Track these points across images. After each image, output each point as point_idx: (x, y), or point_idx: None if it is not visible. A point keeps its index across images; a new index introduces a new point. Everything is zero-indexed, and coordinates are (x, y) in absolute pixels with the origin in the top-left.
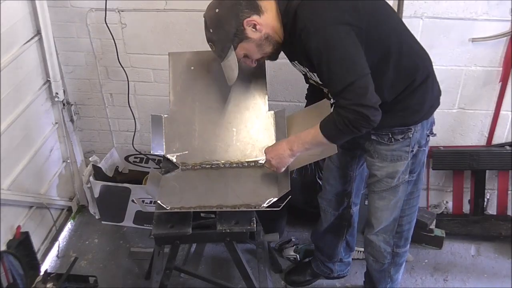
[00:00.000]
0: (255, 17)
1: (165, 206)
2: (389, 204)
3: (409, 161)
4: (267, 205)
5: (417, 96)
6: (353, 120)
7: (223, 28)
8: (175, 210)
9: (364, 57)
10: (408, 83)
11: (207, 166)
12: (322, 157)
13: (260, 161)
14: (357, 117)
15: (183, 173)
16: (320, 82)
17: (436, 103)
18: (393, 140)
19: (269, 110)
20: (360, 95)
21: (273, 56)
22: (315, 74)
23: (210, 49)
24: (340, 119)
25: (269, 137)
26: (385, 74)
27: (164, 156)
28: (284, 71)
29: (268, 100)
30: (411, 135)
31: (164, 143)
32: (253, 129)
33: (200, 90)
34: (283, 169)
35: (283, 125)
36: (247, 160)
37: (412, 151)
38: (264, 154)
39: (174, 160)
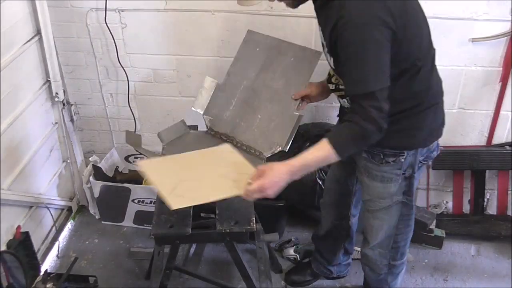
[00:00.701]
0: None
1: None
2: (383, 223)
3: (403, 184)
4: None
5: (415, 120)
6: (370, 131)
7: None
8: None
9: (390, 65)
10: (411, 105)
11: (224, 138)
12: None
13: (263, 154)
14: (373, 127)
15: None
16: (333, 67)
17: (436, 133)
18: (384, 161)
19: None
20: (379, 105)
21: (295, 3)
22: (331, 58)
23: (284, 41)
24: (360, 131)
25: (281, 138)
26: (393, 89)
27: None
28: None
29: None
30: (403, 160)
31: (206, 105)
32: (274, 122)
33: (253, 71)
34: (272, 195)
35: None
36: (254, 148)
37: (404, 173)
38: (255, 173)
39: (206, 122)
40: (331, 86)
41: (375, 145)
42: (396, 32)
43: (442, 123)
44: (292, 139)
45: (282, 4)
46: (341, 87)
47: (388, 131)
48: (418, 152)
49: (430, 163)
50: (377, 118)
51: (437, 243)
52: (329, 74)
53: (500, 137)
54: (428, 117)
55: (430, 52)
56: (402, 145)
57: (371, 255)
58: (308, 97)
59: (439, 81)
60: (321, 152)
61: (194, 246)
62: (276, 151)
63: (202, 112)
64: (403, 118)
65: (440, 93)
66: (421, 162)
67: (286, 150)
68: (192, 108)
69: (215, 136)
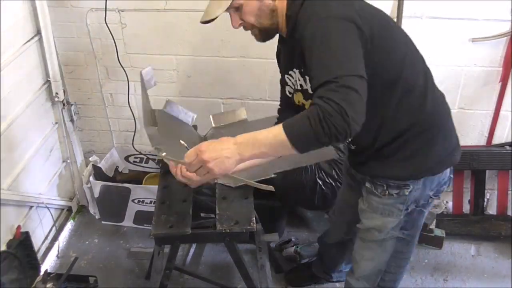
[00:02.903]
0: None
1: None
2: (374, 256)
3: (403, 219)
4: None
5: (420, 143)
6: (330, 113)
7: None
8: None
9: (363, 61)
10: (407, 125)
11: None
12: (317, 161)
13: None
14: (336, 110)
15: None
16: (311, 92)
17: (448, 160)
18: (387, 193)
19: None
20: (346, 94)
21: (264, 34)
22: (307, 77)
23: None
24: (315, 111)
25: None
26: (385, 108)
27: None
28: None
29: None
30: (407, 193)
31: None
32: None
33: None
34: (218, 177)
35: None
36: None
37: (407, 209)
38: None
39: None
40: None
41: (377, 175)
42: (363, 31)
43: (455, 149)
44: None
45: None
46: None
47: (391, 160)
48: (427, 185)
49: (439, 197)
50: (339, 101)
51: (437, 243)
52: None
53: (500, 137)
54: (434, 140)
55: (420, 70)
56: (407, 173)
57: (354, 285)
58: None
59: (440, 103)
60: (272, 132)
61: (194, 246)
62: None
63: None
64: (405, 143)
65: (443, 114)
66: (431, 197)
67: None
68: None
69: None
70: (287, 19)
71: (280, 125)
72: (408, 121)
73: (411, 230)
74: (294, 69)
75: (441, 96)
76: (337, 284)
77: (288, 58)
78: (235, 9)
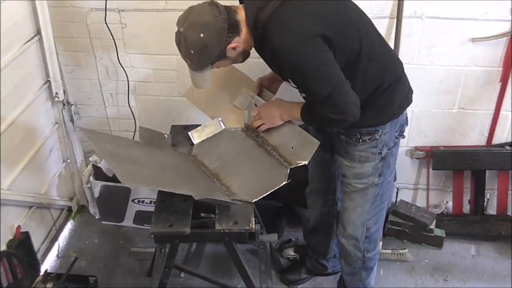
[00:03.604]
0: (236, 39)
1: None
2: (357, 205)
3: (378, 164)
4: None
5: (385, 97)
6: (335, 121)
7: (207, 52)
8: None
9: (337, 64)
10: (375, 87)
11: (203, 169)
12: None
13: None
14: (339, 119)
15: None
16: (296, 87)
17: (405, 103)
18: (360, 140)
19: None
20: (340, 103)
21: (243, 59)
22: (289, 81)
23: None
24: (324, 118)
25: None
26: (353, 79)
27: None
28: None
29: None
30: (378, 137)
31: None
32: (264, 178)
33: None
34: (270, 126)
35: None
36: (235, 194)
37: (380, 153)
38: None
39: (194, 150)
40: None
41: (351, 127)
42: (329, 37)
43: (410, 90)
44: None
45: None
46: None
47: (362, 113)
48: (393, 128)
49: (404, 136)
50: (338, 117)
51: (437, 243)
52: None
53: (500, 137)
54: (396, 91)
55: (372, 29)
56: (376, 122)
57: (346, 246)
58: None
59: (390, 53)
60: (296, 111)
61: (194, 245)
62: (244, 200)
63: (195, 142)
64: (373, 100)
65: (398, 63)
66: (396, 138)
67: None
68: (189, 133)
69: (194, 163)
70: (253, 37)
71: (300, 111)
72: (375, 83)
73: (387, 173)
74: (286, 82)
75: (391, 50)
76: (332, 277)
77: (268, 62)
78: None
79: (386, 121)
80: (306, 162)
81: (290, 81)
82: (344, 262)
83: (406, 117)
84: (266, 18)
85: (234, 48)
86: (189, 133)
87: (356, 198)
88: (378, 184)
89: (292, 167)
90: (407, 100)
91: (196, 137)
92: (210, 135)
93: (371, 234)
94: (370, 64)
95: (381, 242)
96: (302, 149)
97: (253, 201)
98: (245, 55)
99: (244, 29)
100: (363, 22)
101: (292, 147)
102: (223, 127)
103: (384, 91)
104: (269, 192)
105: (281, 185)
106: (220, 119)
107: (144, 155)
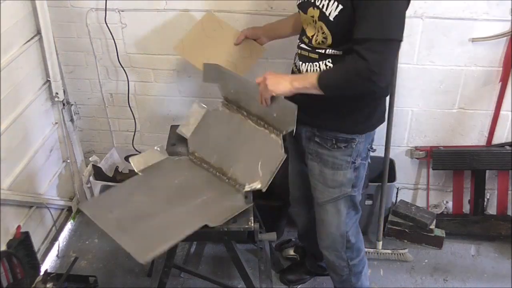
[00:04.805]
0: None
1: None
2: (333, 217)
3: (352, 173)
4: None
5: (372, 104)
6: (363, 79)
7: None
8: None
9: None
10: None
11: (205, 166)
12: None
13: (243, 188)
14: (370, 77)
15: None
16: (332, 18)
17: (382, 119)
18: (335, 146)
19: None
20: (386, 57)
21: None
22: (338, 6)
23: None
24: (353, 73)
25: (264, 177)
26: None
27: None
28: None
29: None
30: (354, 145)
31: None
32: (261, 159)
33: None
34: (272, 95)
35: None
36: (236, 180)
37: (354, 162)
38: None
39: (190, 146)
40: (300, 43)
41: (328, 129)
42: None
43: (385, 108)
44: (271, 180)
45: (282, 4)
46: (316, 45)
47: (344, 114)
48: (367, 139)
49: (374, 149)
50: (381, 67)
51: (437, 243)
52: (302, 29)
53: (500, 137)
54: (380, 103)
55: None
56: (356, 129)
57: (328, 257)
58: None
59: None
60: (311, 80)
61: (194, 245)
62: (255, 189)
63: (187, 137)
64: (359, 107)
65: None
66: (368, 149)
67: (264, 191)
68: (177, 131)
69: (195, 163)
70: None
71: (318, 75)
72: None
73: (359, 184)
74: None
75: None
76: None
77: None
78: None
79: (364, 131)
80: (294, 128)
81: (331, 12)
82: (331, 271)
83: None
84: None
85: None
86: (177, 131)
87: (330, 209)
88: (352, 196)
89: (283, 134)
90: (383, 118)
91: (185, 131)
92: (196, 124)
93: (352, 245)
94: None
95: (381, 242)
96: (284, 115)
97: (264, 189)
98: None
99: None
100: None
101: (275, 115)
102: (205, 107)
103: (373, 100)
104: (275, 173)
105: (282, 159)
106: (197, 101)
107: (148, 200)
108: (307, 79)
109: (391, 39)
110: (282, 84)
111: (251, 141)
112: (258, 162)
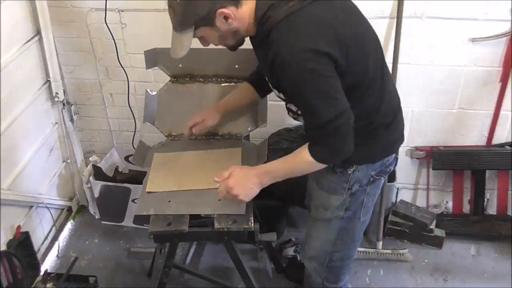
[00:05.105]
0: (231, 9)
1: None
2: (320, 235)
3: (346, 198)
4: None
5: (366, 138)
6: (328, 159)
7: (194, 7)
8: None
9: (342, 90)
10: (364, 124)
11: (204, 137)
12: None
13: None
14: (332, 157)
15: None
16: (284, 99)
17: (389, 150)
18: (332, 171)
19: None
20: (340, 133)
21: (233, 48)
22: (280, 92)
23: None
24: (304, 158)
25: (254, 117)
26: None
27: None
28: None
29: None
30: (350, 172)
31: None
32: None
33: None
34: (247, 201)
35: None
36: (230, 132)
37: (350, 188)
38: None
39: (163, 131)
40: (291, 114)
41: None
42: (337, 59)
43: (398, 140)
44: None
45: None
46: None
47: None
48: (369, 168)
49: (385, 177)
50: (331, 149)
51: (437, 243)
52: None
53: (500, 137)
54: (380, 135)
55: (377, 70)
56: (351, 159)
57: (308, 267)
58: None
59: (393, 99)
60: (297, 159)
61: (194, 245)
62: (256, 128)
63: (154, 124)
64: (355, 135)
65: (394, 111)
66: (373, 177)
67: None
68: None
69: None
70: (256, 31)
71: (305, 156)
72: (363, 120)
73: (355, 208)
74: (275, 90)
75: (394, 90)
76: None
77: (264, 65)
78: (201, 39)
79: (362, 162)
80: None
81: (281, 97)
82: (306, 278)
83: (396, 158)
84: (278, 20)
85: (226, 18)
86: (143, 123)
87: (320, 227)
88: (344, 218)
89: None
90: (393, 148)
91: (150, 120)
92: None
93: (333, 266)
94: (366, 98)
95: (381, 242)
96: (246, 62)
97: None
98: (236, 38)
99: (249, 8)
100: (374, 46)
101: (237, 66)
102: (154, 92)
103: (370, 132)
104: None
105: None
106: (147, 89)
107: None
108: (273, 171)
109: (325, 121)
110: (251, 190)
111: (221, 98)
112: (240, 112)
